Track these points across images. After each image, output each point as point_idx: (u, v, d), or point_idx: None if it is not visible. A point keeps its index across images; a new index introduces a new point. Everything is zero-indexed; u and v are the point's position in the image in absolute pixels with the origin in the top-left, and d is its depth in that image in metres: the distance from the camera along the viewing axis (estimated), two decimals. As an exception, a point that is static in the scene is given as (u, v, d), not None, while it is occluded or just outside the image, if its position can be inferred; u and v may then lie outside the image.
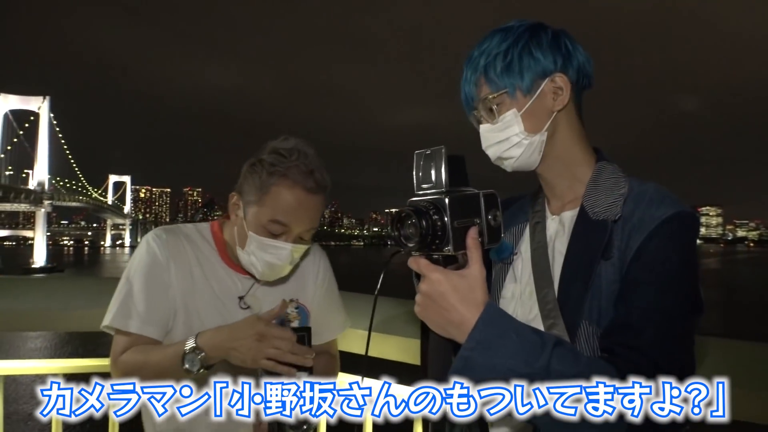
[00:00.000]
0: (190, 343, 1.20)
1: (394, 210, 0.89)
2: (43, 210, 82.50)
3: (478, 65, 1.08)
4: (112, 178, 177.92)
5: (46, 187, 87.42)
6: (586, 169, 1.10)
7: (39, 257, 78.21)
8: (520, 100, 1.06)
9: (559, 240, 1.09)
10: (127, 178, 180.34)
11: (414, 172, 0.91)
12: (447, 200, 0.85)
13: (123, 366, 1.27)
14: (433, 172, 0.88)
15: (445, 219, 0.84)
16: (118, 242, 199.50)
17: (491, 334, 0.83)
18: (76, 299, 2.06)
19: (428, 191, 0.89)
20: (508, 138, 1.07)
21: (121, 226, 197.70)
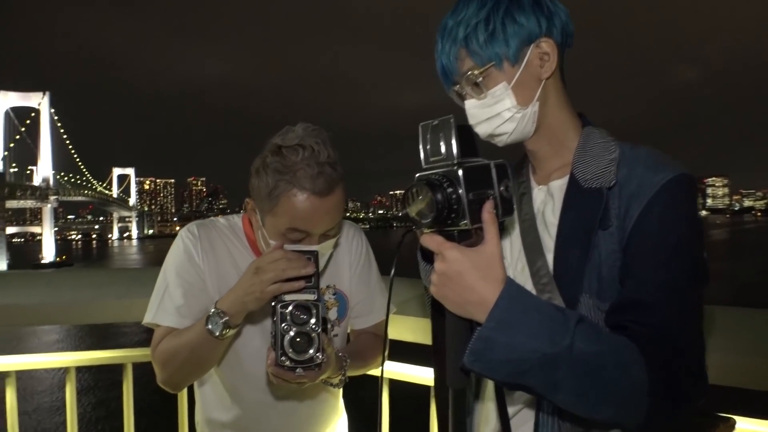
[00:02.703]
0: (212, 310, 1.20)
1: (401, 191, 0.85)
2: (49, 206, 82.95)
3: (456, 36, 1.00)
4: (116, 171, 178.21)
5: (51, 182, 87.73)
6: (573, 135, 1.05)
7: (48, 252, 78.78)
8: (507, 72, 0.99)
9: (548, 210, 1.04)
10: (130, 171, 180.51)
11: (420, 145, 0.86)
12: (460, 171, 0.80)
13: (160, 354, 1.28)
14: (442, 144, 0.83)
15: (460, 191, 0.80)
16: (125, 234, 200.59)
17: (513, 312, 0.79)
18: (86, 292, 2.05)
19: (438, 164, 0.84)
20: (499, 113, 1.01)
21: (127, 219, 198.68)
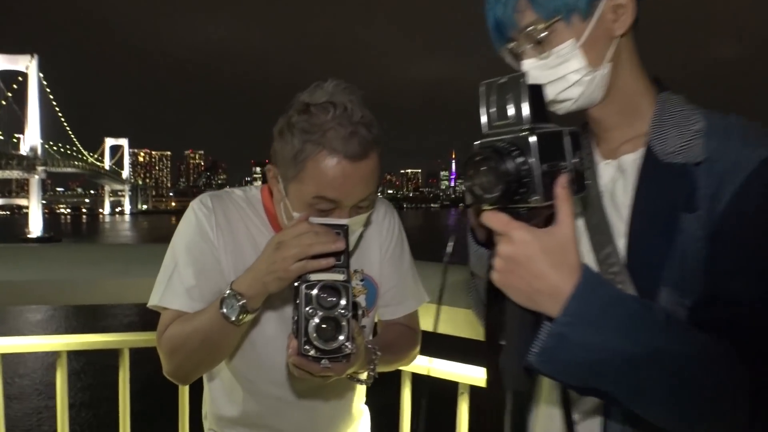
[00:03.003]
0: (227, 292, 1.12)
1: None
2: (36, 177, 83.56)
3: None
4: (109, 142, 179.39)
5: (39, 152, 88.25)
6: (648, 101, 0.96)
7: (35, 226, 79.53)
8: (576, 27, 0.91)
9: (618, 189, 0.96)
10: (124, 141, 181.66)
11: (483, 107, 0.79)
12: (533, 138, 0.73)
13: (167, 341, 1.21)
14: (510, 106, 0.77)
15: (531, 162, 0.73)
16: (117, 209, 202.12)
17: (591, 305, 0.73)
18: (81, 269, 1.99)
19: (504, 129, 0.77)
20: (564, 76, 0.92)
21: (119, 192, 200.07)
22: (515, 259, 0.74)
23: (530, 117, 0.75)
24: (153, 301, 1.24)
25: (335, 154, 1.09)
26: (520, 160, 0.72)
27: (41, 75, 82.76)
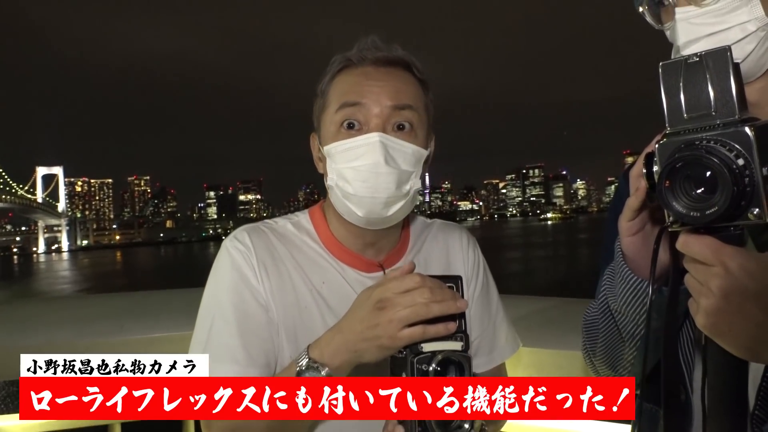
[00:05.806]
0: (302, 362, 1.00)
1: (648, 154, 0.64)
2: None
3: None
4: (41, 171, 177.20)
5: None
6: None
7: (-41, 272, 77.46)
8: None
9: None
10: (58, 170, 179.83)
11: (664, 96, 0.68)
12: (751, 132, 0.62)
13: (222, 427, 1.06)
14: (709, 90, 0.66)
15: (752, 163, 0.62)
16: (53, 247, 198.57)
17: None
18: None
19: (698, 123, 0.67)
20: (730, 28, 0.83)
21: (55, 228, 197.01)
22: (740, 295, 0.63)
23: (739, 103, 0.64)
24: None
25: (359, 63, 1.14)
26: (740, 162, 0.61)
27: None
